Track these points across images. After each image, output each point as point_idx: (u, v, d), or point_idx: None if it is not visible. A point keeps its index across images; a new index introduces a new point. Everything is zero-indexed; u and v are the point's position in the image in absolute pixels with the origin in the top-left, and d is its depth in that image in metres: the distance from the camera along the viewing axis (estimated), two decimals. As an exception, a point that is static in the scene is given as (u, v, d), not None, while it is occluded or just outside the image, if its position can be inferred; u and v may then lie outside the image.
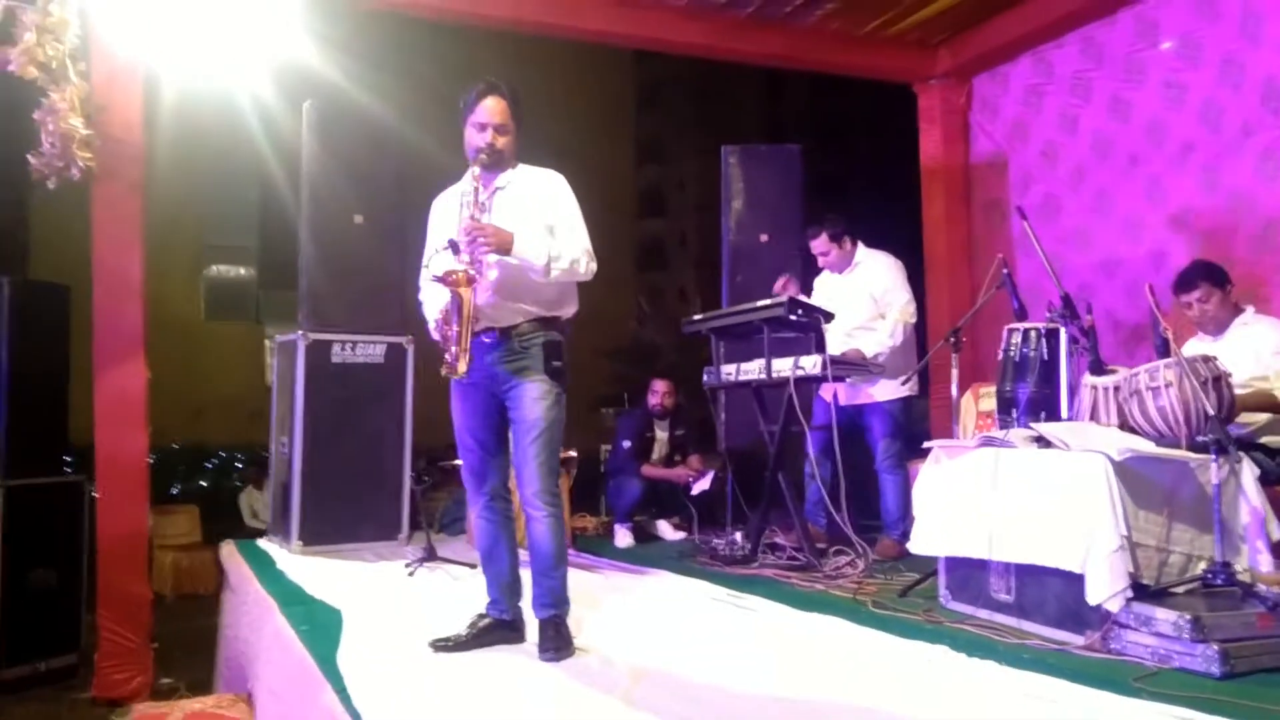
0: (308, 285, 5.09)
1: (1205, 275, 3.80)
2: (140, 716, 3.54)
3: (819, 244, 4.95)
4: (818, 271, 5.26)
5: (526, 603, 3.07)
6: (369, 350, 5.09)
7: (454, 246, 2.87)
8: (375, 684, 2.56)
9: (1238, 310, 3.81)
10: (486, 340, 2.97)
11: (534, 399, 2.94)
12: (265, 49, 5.53)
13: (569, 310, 3.09)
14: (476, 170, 3.01)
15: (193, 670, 4.95)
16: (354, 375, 5.05)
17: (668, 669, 2.79)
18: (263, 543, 5.22)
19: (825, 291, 5.08)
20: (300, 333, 4.97)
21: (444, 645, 2.94)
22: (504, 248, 2.85)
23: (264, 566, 4.56)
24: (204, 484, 12.82)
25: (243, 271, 18.48)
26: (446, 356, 2.89)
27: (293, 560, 4.69)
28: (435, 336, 3.01)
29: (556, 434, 2.96)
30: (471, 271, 2.84)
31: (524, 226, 2.93)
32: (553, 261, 2.89)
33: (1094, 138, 5.73)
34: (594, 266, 3.02)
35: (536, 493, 2.92)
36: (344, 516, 5.00)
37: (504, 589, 3.06)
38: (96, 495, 4.84)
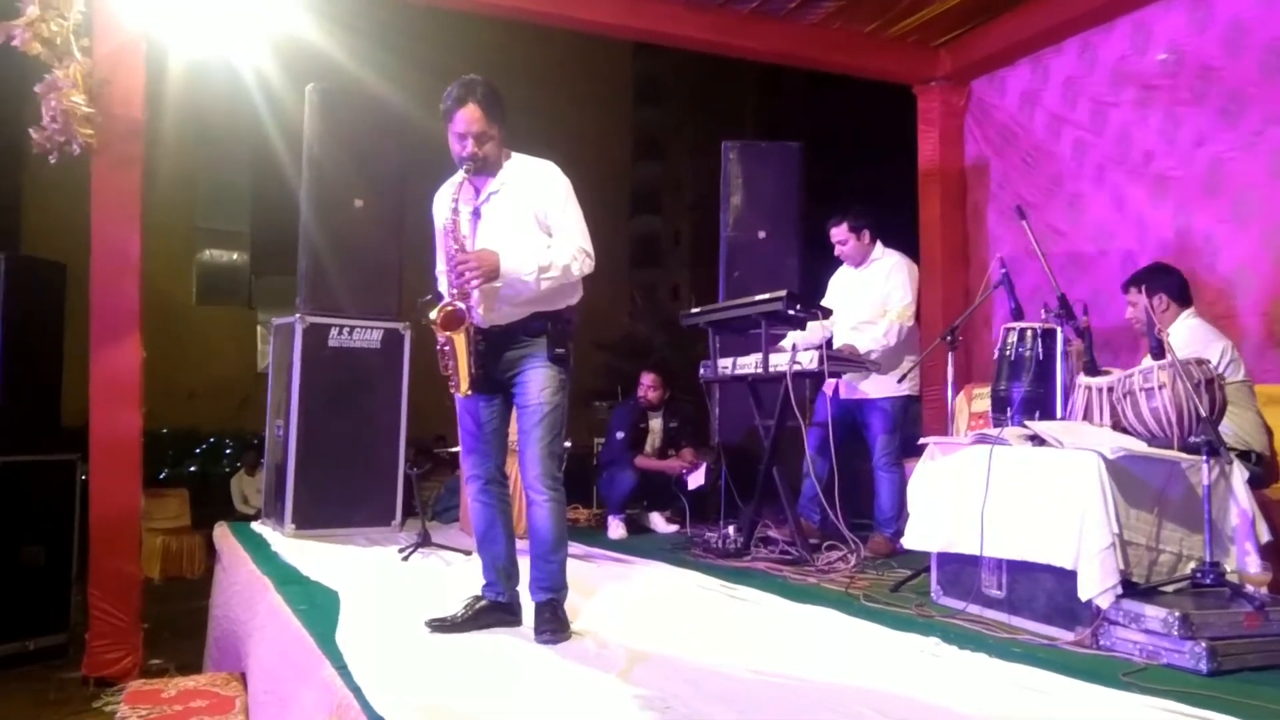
0: (307, 268, 5.09)
1: (1137, 280, 3.89)
2: (134, 693, 3.53)
3: (838, 232, 4.96)
4: (816, 268, 5.28)
5: (523, 587, 3.08)
6: (366, 335, 5.09)
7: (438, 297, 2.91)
8: (374, 661, 2.57)
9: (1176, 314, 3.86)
10: (493, 335, 2.98)
11: (539, 384, 2.95)
12: (268, 30, 5.53)
13: (573, 299, 3.09)
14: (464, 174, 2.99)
15: (182, 652, 4.97)
16: (350, 360, 5.06)
17: (663, 652, 2.81)
18: (256, 525, 5.22)
19: (840, 284, 5.11)
20: (298, 315, 4.98)
21: (441, 625, 2.96)
22: (491, 274, 2.86)
23: (258, 548, 4.56)
24: (193, 468, 12.79)
25: (235, 256, 18.41)
26: (450, 383, 2.93)
27: (286, 543, 4.70)
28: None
29: (559, 419, 2.97)
30: (460, 307, 2.85)
31: (514, 236, 2.93)
32: (542, 273, 2.89)
33: (1074, 145, 5.82)
34: (590, 264, 3.00)
35: (538, 476, 2.93)
36: (338, 501, 5.01)
37: (500, 572, 3.07)
38: (85, 477, 4.83)
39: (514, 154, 3.08)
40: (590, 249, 3.02)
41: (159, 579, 7.80)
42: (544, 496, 2.94)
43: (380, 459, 5.12)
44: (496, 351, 3.00)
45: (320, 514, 4.95)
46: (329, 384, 5.00)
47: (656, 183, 32.47)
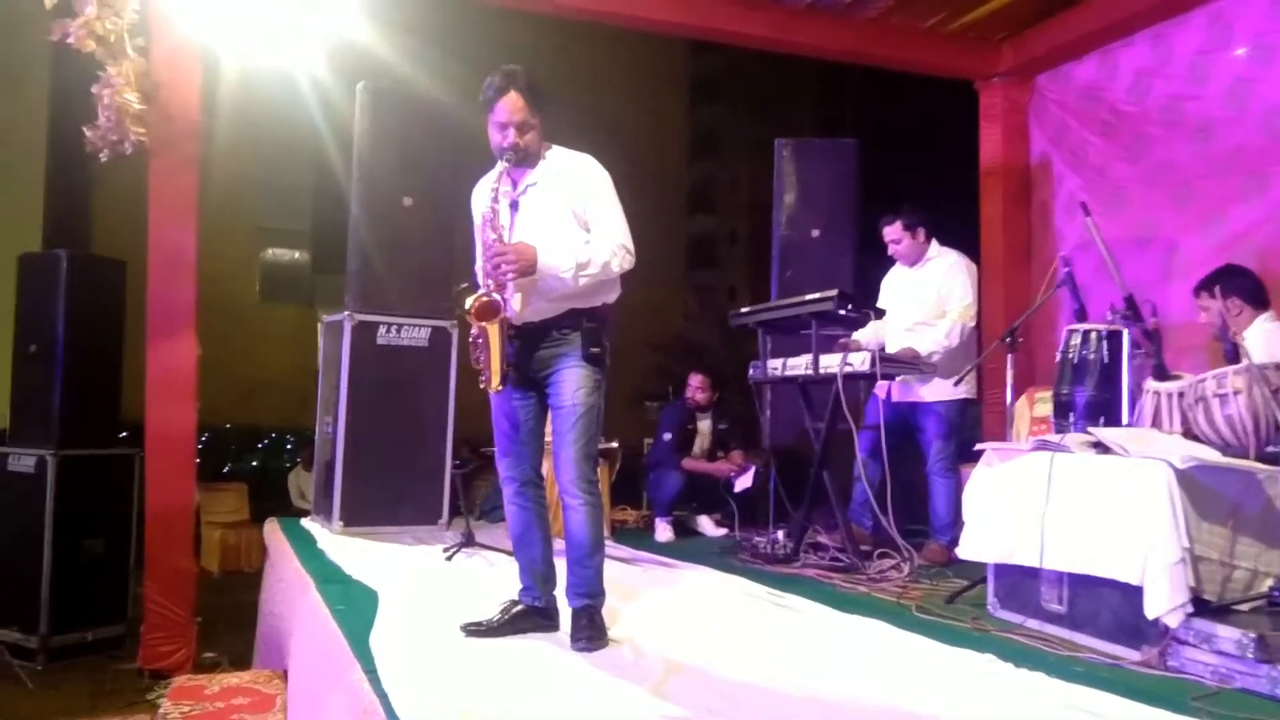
0: (356, 266, 5.11)
1: (1209, 283, 3.69)
2: (179, 688, 3.56)
3: (892, 230, 4.83)
4: (871, 267, 5.14)
5: (561, 590, 3.02)
6: (414, 333, 5.09)
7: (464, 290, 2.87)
8: (405, 665, 2.53)
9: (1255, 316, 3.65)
10: (527, 331, 2.93)
11: (573, 385, 2.89)
12: (323, 30, 5.56)
13: (610, 297, 3.02)
14: (503, 166, 2.93)
15: (236, 645, 5.01)
16: (399, 357, 5.06)
17: (701, 663, 2.72)
18: (305, 522, 5.25)
19: (894, 284, 4.98)
20: (347, 313, 4.99)
21: (476, 629, 2.91)
22: (528, 269, 2.80)
23: (304, 544, 4.58)
24: (254, 463, 13.03)
25: (297, 255, 18.77)
26: (480, 377, 2.88)
27: (333, 540, 4.70)
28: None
29: (595, 421, 2.91)
30: (496, 298, 2.80)
31: (553, 229, 2.88)
32: (580, 270, 2.83)
33: (1137, 138, 5.57)
34: (630, 260, 2.93)
35: (573, 480, 2.87)
36: (385, 498, 5.01)
37: (536, 576, 3.01)
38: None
39: (554, 146, 3.02)
40: (630, 245, 2.94)
41: (218, 572, 7.92)
42: (579, 500, 2.88)
43: (427, 457, 5.11)
44: (530, 349, 2.94)
45: (367, 511, 4.95)
46: (377, 382, 5.01)
47: (713, 183, 32.29)
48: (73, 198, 13.19)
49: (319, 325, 5.50)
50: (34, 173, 12.50)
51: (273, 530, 5.04)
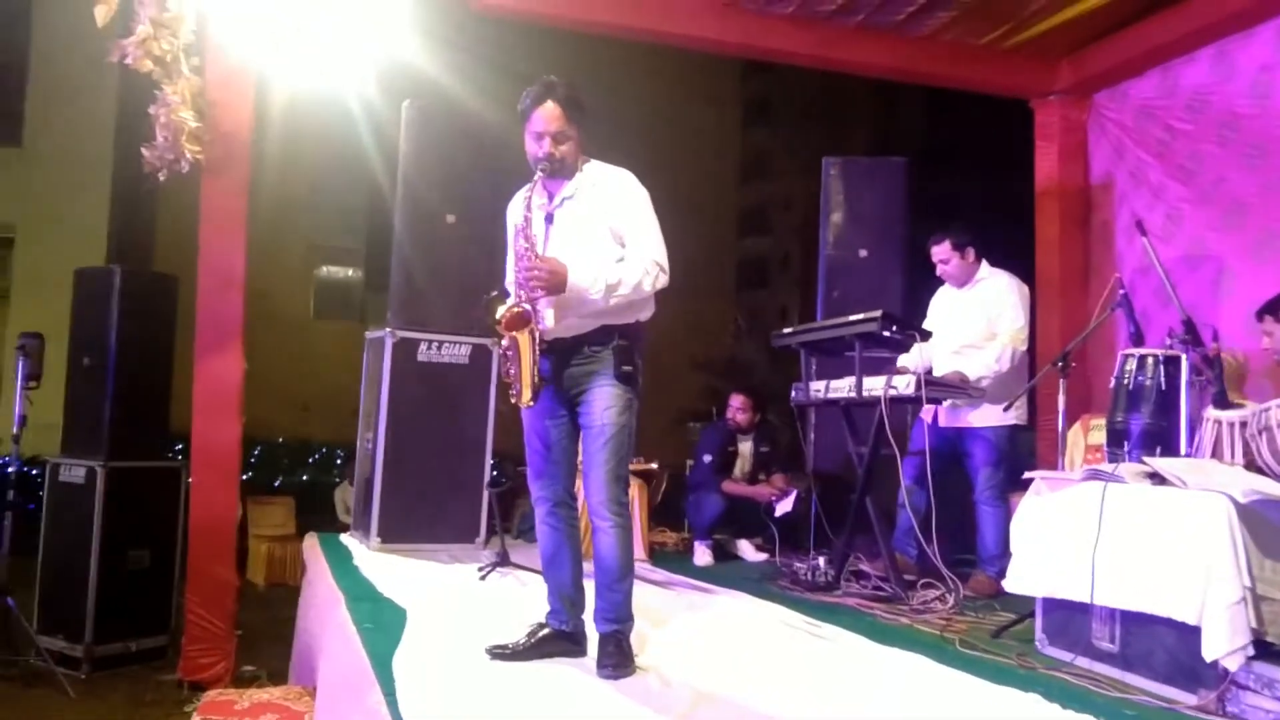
0: (398, 283, 5.13)
1: (1272, 307, 3.50)
2: (209, 703, 3.56)
3: (940, 250, 4.71)
4: (921, 288, 5.02)
5: (590, 614, 2.95)
6: (454, 350, 5.08)
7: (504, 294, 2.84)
8: (426, 689, 2.48)
9: None
10: (558, 346, 2.88)
11: (604, 404, 2.83)
12: (374, 49, 5.63)
13: (644, 315, 2.96)
14: (539, 175, 2.90)
15: (276, 658, 5.01)
16: (439, 375, 5.05)
17: (730, 694, 2.63)
18: (344, 537, 5.26)
19: (942, 306, 4.85)
20: (388, 330, 5.00)
21: (501, 653, 2.85)
22: (558, 287, 2.75)
23: (340, 561, 4.58)
24: (305, 477, 13.18)
25: (350, 273, 19.08)
26: (511, 390, 2.84)
27: (370, 556, 4.70)
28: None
29: (626, 441, 2.84)
30: (527, 308, 2.76)
31: (587, 245, 2.84)
32: (610, 291, 2.77)
33: (1195, 158, 5.42)
34: (664, 279, 2.86)
35: (603, 502, 2.81)
36: (423, 515, 4.99)
37: (565, 600, 2.95)
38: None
39: (592, 160, 2.98)
40: (664, 262, 2.88)
41: (263, 585, 7.99)
42: (609, 523, 2.81)
43: (466, 475, 5.08)
44: (561, 366, 2.89)
45: (406, 528, 4.94)
46: (417, 398, 5.01)
47: (766, 204, 32.18)
48: (137, 215, 13.57)
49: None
50: (100, 191, 12.88)
51: (311, 545, 5.06)
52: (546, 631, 2.93)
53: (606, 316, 2.86)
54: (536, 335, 2.78)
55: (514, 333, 2.77)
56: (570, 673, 2.77)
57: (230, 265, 4.87)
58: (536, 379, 2.78)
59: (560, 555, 2.96)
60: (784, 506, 5.24)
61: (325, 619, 3.65)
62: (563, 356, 2.89)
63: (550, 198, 2.94)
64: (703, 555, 5.24)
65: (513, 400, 2.86)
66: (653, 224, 2.91)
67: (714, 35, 5.88)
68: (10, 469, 5.21)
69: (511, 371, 2.81)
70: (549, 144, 2.85)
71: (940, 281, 4.87)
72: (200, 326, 4.81)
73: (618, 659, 2.77)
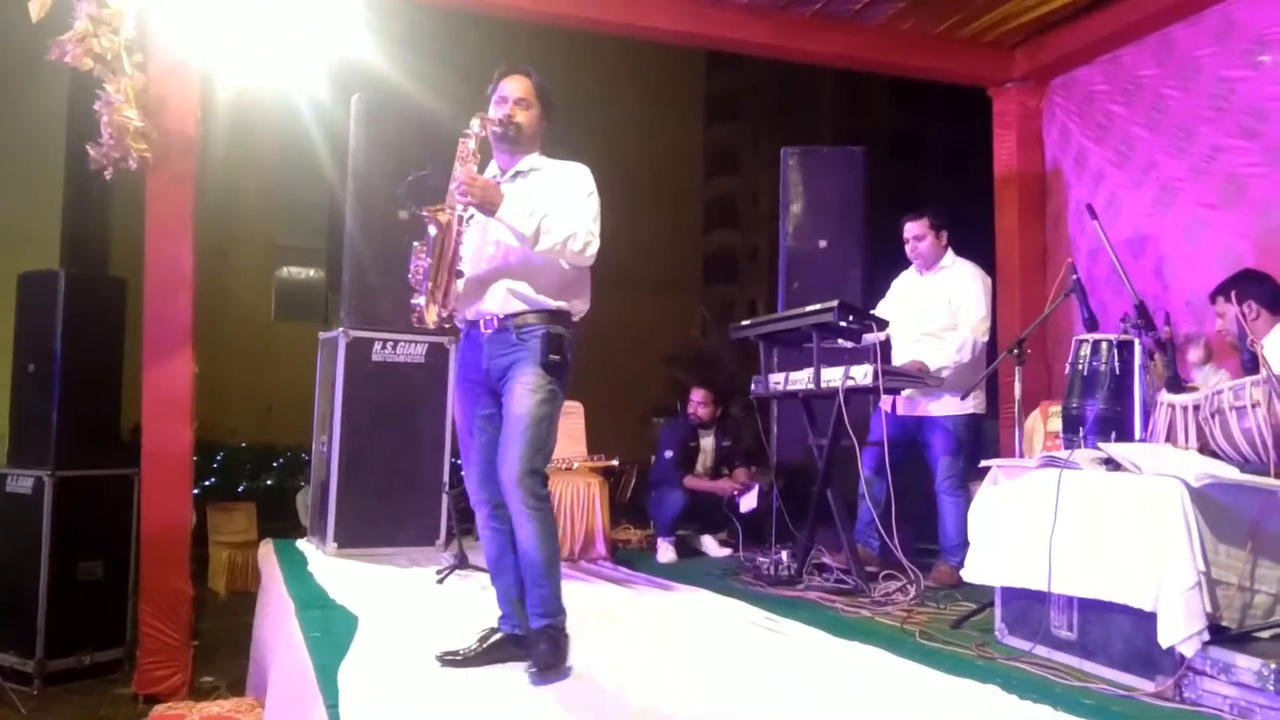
0: (351, 282, 5.03)
1: (1224, 288, 3.53)
2: (158, 716, 3.47)
3: (916, 226, 4.68)
4: (881, 279, 5.00)
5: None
6: (410, 350, 4.98)
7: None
8: (370, 700, 2.41)
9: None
10: (486, 331, 2.82)
11: (524, 391, 2.73)
12: (325, 46, 5.52)
13: (577, 304, 2.89)
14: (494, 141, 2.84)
15: (235, 669, 4.90)
16: (394, 375, 4.96)
17: (685, 695, 2.58)
18: (301, 543, 5.16)
19: (903, 290, 4.82)
20: (341, 330, 4.91)
21: (452, 660, 2.78)
22: (489, 205, 2.67)
23: (294, 567, 4.48)
24: (269, 482, 12.98)
25: (312, 273, 18.88)
26: (414, 303, 2.72)
27: (325, 562, 4.60)
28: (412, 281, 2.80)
29: (545, 433, 2.73)
30: (458, 210, 2.69)
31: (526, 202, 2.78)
32: (543, 232, 2.68)
33: (1126, 143, 5.52)
34: (594, 248, 2.78)
35: (518, 495, 2.69)
36: (381, 519, 4.89)
37: (513, 603, 2.87)
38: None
39: (549, 159, 2.95)
40: (596, 236, 2.79)
41: (224, 593, 7.84)
42: (525, 515, 2.70)
43: (424, 477, 4.99)
44: (490, 357, 2.82)
45: (363, 533, 4.84)
46: (372, 400, 4.90)
47: (732, 198, 32.24)
48: (90, 217, 13.29)
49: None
50: (52, 193, 12.61)
51: (266, 552, 4.95)
52: (498, 637, 2.86)
53: (541, 295, 2.79)
54: (458, 231, 2.69)
55: (437, 216, 2.67)
56: (522, 678, 2.69)
57: (178, 265, 4.76)
58: (448, 279, 2.67)
59: (505, 559, 2.87)
60: (748, 502, 5.20)
61: (277, 628, 3.57)
62: (491, 346, 2.81)
63: (503, 172, 2.90)
64: (666, 552, 5.20)
65: (415, 321, 2.75)
66: (591, 207, 2.84)
67: (669, 25, 5.83)
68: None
69: (422, 270, 2.70)
70: (510, 106, 2.83)
71: (901, 268, 4.85)
72: (148, 329, 4.71)
73: (548, 658, 2.66)
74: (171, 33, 4.67)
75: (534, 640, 2.72)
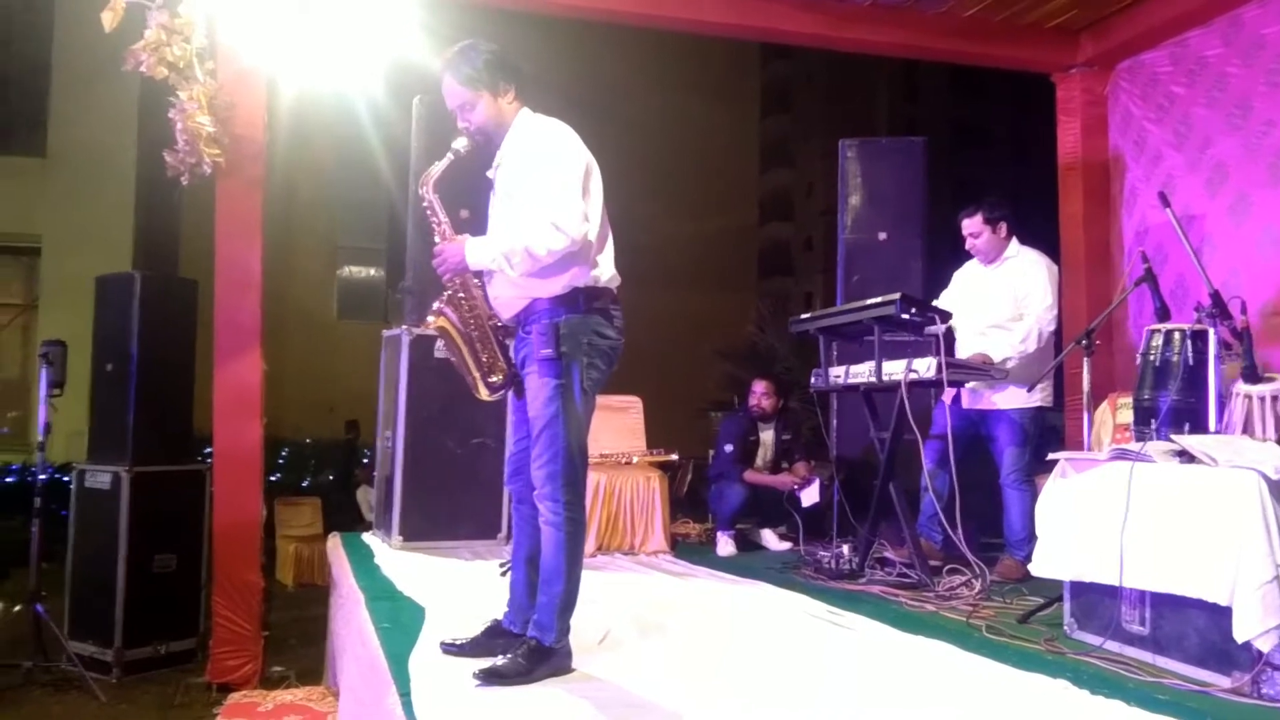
0: (412, 280, 5.11)
1: None
2: (231, 706, 3.58)
3: (972, 223, 4.61)
4: (942, 271, 4.93)
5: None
6: (471, 346, 5.05)
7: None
8: (440, 689, 2.45)
9: None
10: (510, 327, 2.80)
11: (533, 393, 2.66)
12: (386, 50, 5.61)
13: (582, 274, 2.66)
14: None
15: (305, 659, 5.04)
16: (456, 371, 5.01)
17: (746, 689, 2.58)
18: (366, 537, 5.27)
19: (966, 283, 4.75)
20: (404, 327, 4.99)
21: (450, 648, 2.79)
22: (458, 266, 2.66)
23: (362, 560, 4.57)
24: (332, 478, 13.27)
25: (373, 272, 19.19)
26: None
27: (391, 555, 4.69)
28: None
29: (561, 431, 2.60)
30: (441, 304, 2.70)
31: (510, 209, 2.73)
32: (508, 260, 2.57)
33: (1185, 122, 5.37)
34: (562, 239, 2.52)
35: (541, 498, 2.65)
36: (444, 513, 4.98)
37: (516, 599, 2.85)
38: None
39: (524, 111, 2.78)
40: (563, 220, 2.53)
41: (292, 585, 8.04)
42: (545, 520, 2.63)
43: (486, 471, 5.06)
44: (515, 350, 2.79)
45: (427, 526, 4.93)
46: (435, 395, 4.98)
47: (788, 190, 32.00)
48: (161, 221, 13.68)
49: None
50: (125, 198, 13.02)
51: (334, 546, 5.06)
52: (492, 627, 2.84)
53: (537, 282, 2.65)
54: (457, 320, 2.70)
55: (439, 323, 2.70)
56: (587, 666, 2.71)
57: (247, 267, 4.87)
58: (485, 367, 2.69)
59: (519, 552, 2.84)
60: (810, 496, 5.16)
61: (349, 619, 3.65)
62: (515, 342, 2.79)
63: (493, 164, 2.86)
64: (725, 546, 5.20)
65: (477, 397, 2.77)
66: (555, 178, 2.60)
67: (719, 19, 5.78)
68: (42, 476, 5.24)
69: (457, 364, 2.73)
70: (459, 119, 2.77)
71: (963, 260, 4.78)
72: (219, 329, 4.82)
73: (507, 667, 2.53)
74: (239, 40, 4.79)
75: (516, 644, 2.65)
